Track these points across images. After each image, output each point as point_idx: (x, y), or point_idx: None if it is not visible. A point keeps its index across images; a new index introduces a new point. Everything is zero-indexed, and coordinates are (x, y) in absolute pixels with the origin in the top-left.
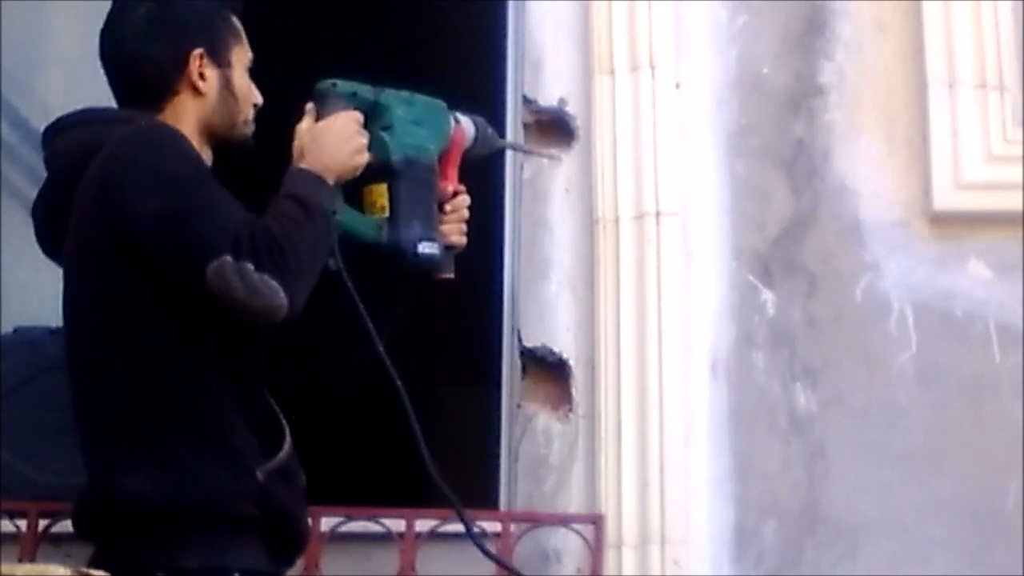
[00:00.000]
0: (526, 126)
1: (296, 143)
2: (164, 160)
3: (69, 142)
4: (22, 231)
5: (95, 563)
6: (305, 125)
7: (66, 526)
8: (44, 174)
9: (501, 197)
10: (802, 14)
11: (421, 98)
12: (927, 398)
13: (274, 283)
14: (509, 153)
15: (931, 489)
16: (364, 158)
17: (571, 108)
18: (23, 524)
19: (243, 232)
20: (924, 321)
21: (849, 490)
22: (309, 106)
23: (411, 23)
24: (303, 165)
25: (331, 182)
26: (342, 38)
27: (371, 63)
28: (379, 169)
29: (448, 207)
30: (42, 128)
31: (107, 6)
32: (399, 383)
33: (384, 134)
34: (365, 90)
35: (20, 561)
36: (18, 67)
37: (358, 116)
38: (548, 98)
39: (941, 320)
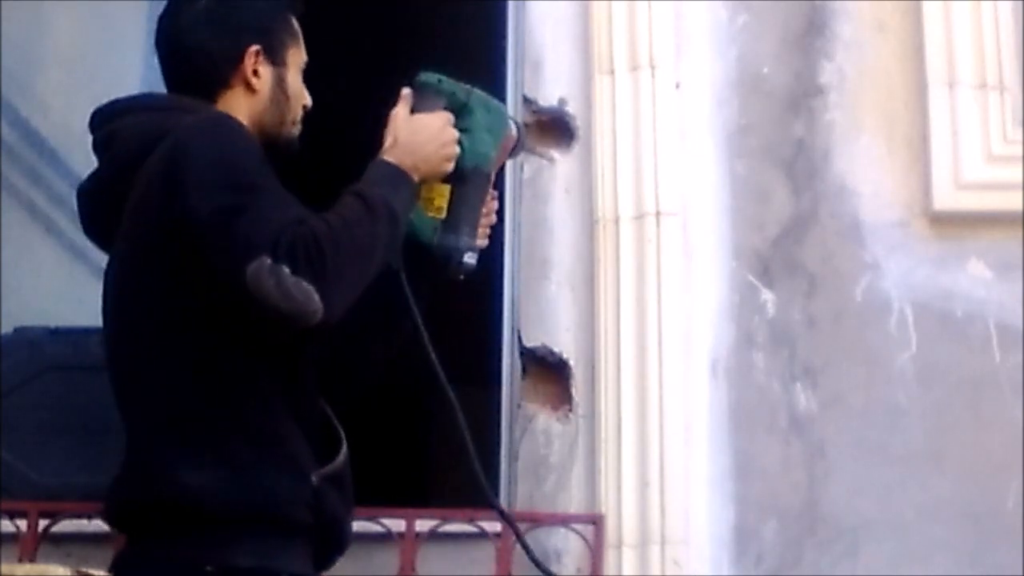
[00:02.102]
0: (526, 126)
1: (390, 128)
2: (227, 154)
3: (130, 126)
4: (22, 231)
5: (129, 557)
6: (402, 113)
7: (66, 526)
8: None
9: (501, 197)
10: (802, 14)
11: (495, 104)
12: (927, 398)
13: (308, 287)
14: None
15: (931, 489)
16: (451, 165)
17: (571, 108)
18: (23, 524)
19: (285, 234)
20: (924, 321)
21: (849, 490)
22: (406, 92)
23: (411, 23)
24: (392, 158)
25: (416, 180)
26: (342, 37)
27: (371, 63)
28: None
29: (483, 210)
30: (40, 128)
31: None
32: (450, 392)
33: (463, 136)
34: (461, 90)
35: (20, 561)
36: (18, 67)
37: (452, 119)
38: (548, 98)
39: (941, 320)
